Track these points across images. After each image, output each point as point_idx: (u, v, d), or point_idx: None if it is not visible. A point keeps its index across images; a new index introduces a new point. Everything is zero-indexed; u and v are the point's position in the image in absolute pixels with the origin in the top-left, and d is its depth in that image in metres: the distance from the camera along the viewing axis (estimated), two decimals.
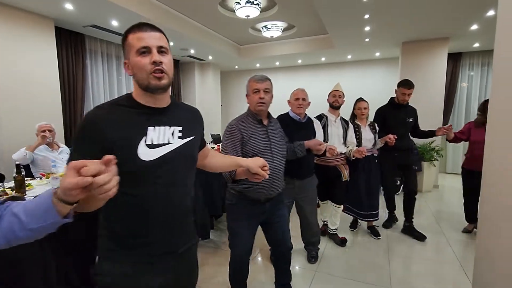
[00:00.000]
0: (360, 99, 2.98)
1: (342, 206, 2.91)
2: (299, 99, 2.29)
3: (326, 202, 3.02)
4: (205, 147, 1.26)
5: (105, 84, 5.06)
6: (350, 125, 2.85)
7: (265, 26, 5.12)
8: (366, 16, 3.83)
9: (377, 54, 6.24)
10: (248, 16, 4.15)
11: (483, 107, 2.79)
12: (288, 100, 2.38)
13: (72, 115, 4.42)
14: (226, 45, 5.98)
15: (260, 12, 4.22)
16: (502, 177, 1.21)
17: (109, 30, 4.36)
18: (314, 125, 2.46)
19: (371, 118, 3.13)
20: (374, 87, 6.69)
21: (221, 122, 7.77)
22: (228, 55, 6.27)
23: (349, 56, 6.49)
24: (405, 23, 4.16)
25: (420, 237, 3.00)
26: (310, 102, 2.35)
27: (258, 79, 1.74)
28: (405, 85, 2.92)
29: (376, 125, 3.03)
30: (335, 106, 2.72)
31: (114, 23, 4.08)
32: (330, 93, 2.79)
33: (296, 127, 2.28)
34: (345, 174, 2.76)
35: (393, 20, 4.03)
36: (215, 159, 1.33)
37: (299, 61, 7.03)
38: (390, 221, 3.37)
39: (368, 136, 2.93)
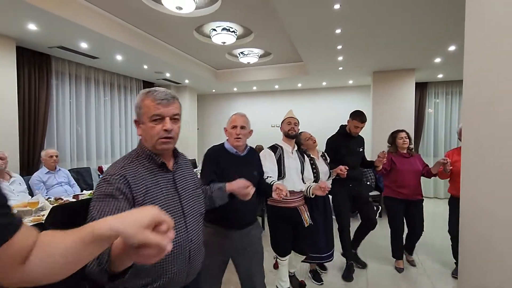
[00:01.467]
0: (301, 132, 2.70)
1: (303, 257, 2.49)
2: (237, 127, 1.76)
3: (286, 258, 2.41)
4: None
5: (72, 107, 4.77)
6: (306, 158, 2.53)
7: (242, 52, 5.16)
8: (339, 47, 3.97)
9: (350, 81, 6.48)
10: (224, 42, 4.16)
11: (392, 139, 3.03)
12: (224, 128, 1.86)
13: (31, 140, 4.07)
14: (203, 69, 5.95)
15: (237, 39, 4.25)
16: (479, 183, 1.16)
17: (78, 52, 4.17)
18: (259, 158, 2.01)
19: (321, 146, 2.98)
20: (348, 113, 6.87)
21: (197, 146, 7.58)
22: (205, 79, 6.23)
23: (324, 83, 6.68)
24: (374, 54, 4.36)
25: (362, 265, 2.95)
26: (251, 131, 1.86)
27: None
28: (359, 119, 2.78)
29: (326, 155, 2.83)
30: (291, 135, 2.33)
31: (83, 45, 3.91)
32: (283, 120, 2.39)
33: (234, 163, 1.77)
34: (306, 217, 2.32)
35: (364, 51, 4.20)
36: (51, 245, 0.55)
37: (276, 86, 7.13)
38: (350, 271, 2.84)
39: (323, 168, 2.66)
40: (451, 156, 2.79)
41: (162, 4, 3.17)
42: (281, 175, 2.23)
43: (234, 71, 6.38)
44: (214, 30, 4.03)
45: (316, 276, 2.78)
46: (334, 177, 2.70)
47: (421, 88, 6.16)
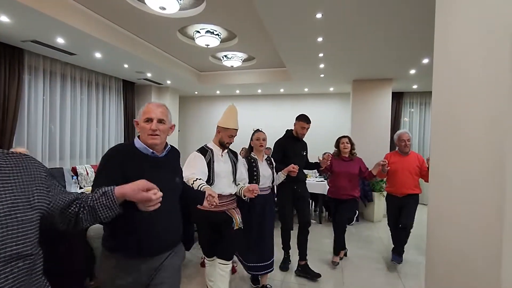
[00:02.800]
0: (258, 130, 2.62)
1: (230, 265, 2.23)
2: (152, 120, 1.35)
3: (213, 259, 2.23)
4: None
5: (45, 104, 4.56)
6: (240, 159, 2.38)
7: (225, 56, 5.16)
8: (320, 55, 4.07)
9: (331, 88, 6.65)
10: (208, 45, 4.15)
11: (336, 144, 3.28)
12: (135, 121, 1.46)
13: None
14: (185, 71, 5.88)
15: (221, 42, 4.25)
16: (446, 190, 1.23)
17: (54, 47, 4.00)
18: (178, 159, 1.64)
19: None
20: (329, 119, 7.05)
21: (178, 148, 7.45)
22: (187, 81, 6.17)
23: (306, 89, 6.81)
24: (354, 63, 4.51)
25: (315, 276, 2.83)
26: (173, 126, 1.51)
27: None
28: (305, 120, 2.95)
29: (272, 160, 2.74)
30: (226, 146, 2.21)
31: (60, 41, 3.76)
32: (222, 123, 2.19)
33: (148, 165, 1.35)
34: (237, 219, 2.17)
35: (344, 60, 4.34)
36: None
37: (259, 91, 7.18)
38: (286, 263, 3.07)
39: (266, 172, 2.56)
40: (389, 158, 3.18)
41: (145, 4, 3.12)
42: (209, 180, 2.05)
43: (217, 74, 6.36)
44: (198, 32, 4.01)
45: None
46: (284, 178, 2.70)
47: (398, 98, 6.44)
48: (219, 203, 1.87)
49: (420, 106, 6.62)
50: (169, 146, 1.49)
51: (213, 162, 2.11)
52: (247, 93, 7.56)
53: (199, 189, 1.74)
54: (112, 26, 3.87)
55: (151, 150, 1.37)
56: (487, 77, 0.99)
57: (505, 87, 0.87)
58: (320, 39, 3.45)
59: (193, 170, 1.93)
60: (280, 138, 3.07)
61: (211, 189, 1.76)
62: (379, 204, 5.13)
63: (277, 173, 2.70)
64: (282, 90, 6.98)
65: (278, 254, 2.95)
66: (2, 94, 3.84)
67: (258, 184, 2.39)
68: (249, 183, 2.37)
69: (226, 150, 2.22)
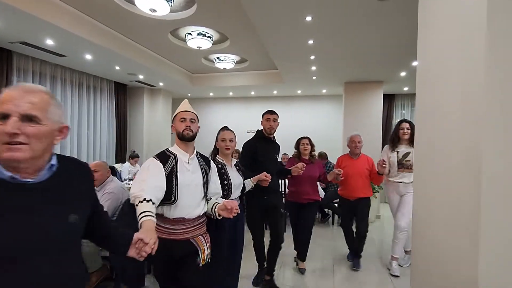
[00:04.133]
0: (224, 128, 2.15)
1: None
2: (9, 116, 0.73)
3: None
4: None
5: None
6: (213, 166, 1.76)
7: (218, 58, 5.17)
8: (312, 57, 4.11)
9: (324, 90, 6.70)
10: (199, 47, 4.15)
11: (296, 145, 3.07)
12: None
13: None
14: (178, 73, 5.87)
15: (213, 44, 4.26)
16: (429, 189, 1.25)
17: (44, 49, 3.95)
18: (88, 179, 1.01)
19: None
20: (322, 121, 7.10)
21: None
22: (180, 83, 6.15)
23: (298, 91, 6.85)
24: (345, 66, 4.55)
25: None
26: (65, 128, 0.87)
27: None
28: (269, 112, 2.61)
29: (240, 166, 2.28)
30: (186, 138, 1.57)
31: (49, 42, 3.72)
32: (175, 116, 1.64)
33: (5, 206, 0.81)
34: (205, 251, 1.59)
35: (335, 62, 4.39)
36: None
37: (252, 93, 7.20)
38: (260, 277, 2.71)
39: (237, 180, 2.07)
40: (341, 161, 3.17)
41: (136, 5, 3.11)
42: (171, 198, 1.49)
43: (210, 76, 6.36)
44: (190, 34, 4.01)
45: None
46: (252, 186, 2.24)
47: (389, 100, 6.52)
48: (180, 229, 1.49)
49: (412, 107, 6.70)
50: (55, 164, 0.84)
51: (176, 172, 1.52)
52: (240, 95, 7.57)
53: (138, 219, 1.25)
54: (103, 28, 3.84)
55: (9, 174, 0.75)
56: (463, 78, 1.01)
57: (479, 87, 0.90)
58: (311, 41, 3.48)
59: (143, 185, 1.39)
60: (250, 139, 2.63)
61: (153, 223, 1.25)
62: (371, 205, 5.15)
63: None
64: (275, 92, 7.01)
65: (253, 268, 2.74)
66: None
67: (229, 196, 1.98)
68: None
69: (194, 155, 1.62)
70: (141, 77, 5.68)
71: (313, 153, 3.04)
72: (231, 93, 7.37)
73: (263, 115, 2.65)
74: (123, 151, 6.32)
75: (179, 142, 1.62)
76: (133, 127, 6.71)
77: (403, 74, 4.87)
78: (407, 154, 3.01)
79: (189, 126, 1.58)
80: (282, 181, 4.12)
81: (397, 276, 2.88)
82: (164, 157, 1.56)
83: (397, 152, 3.04)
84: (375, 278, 2.98)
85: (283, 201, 3.32)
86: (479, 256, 0.85)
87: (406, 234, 2.97)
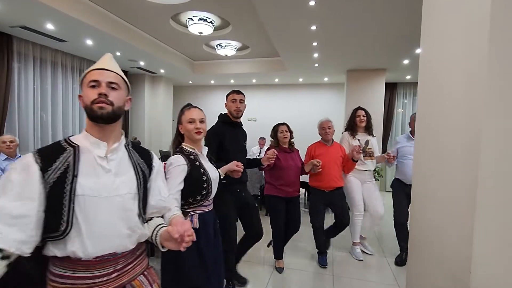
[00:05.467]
0: (190, 105, 1.61)
1: None
2: None
3: None
4: None
5: (36, 93, 4.49)
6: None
7: (219, 44, 5.12)
8: (314, 44, 4.06)
9: (326, 79, 6.65)
10: (201, 33, 4.10)
11: (274, 133, 2.72)
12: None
13: None
14: (179, 60, 5.82)
15: (214, 30, 4.21)
16: (428, 184, 1.28)
17: (44, 34, 3.92)
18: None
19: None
20: (323, 110, 7.08)
21: (172, 138, 7.45)
22: (181, 70, 6.11)
23: (300, 79, 6.80)
24: (348, 53, 4.51)
25: (242, 283, 2.41)
26: None
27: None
28: (235, 91, 2.25)
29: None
30: (99, 115, 0.92)
31: (49, 27, 3.68)
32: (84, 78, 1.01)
33: None
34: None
35: (338, 49, 4.34)
36: None
37: (254, 81, 7.15)
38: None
39: (214, 173, 1.59)
40: (314, 150, 2.84)
41: None
42: (58, 227, 0.84)
43: (211, 63, 6.31)
44: (191, 19, 3.96)
45: None
46: (222, 178, 1.81)
47: (391, 88, 6.47)
48: (100, 275, 0.88)
49: (414, 97, 6.66)
50: None
51: (74, 176, 0.86)
52: (242, 83, 7.53)
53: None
54: (103, 12, 3.79)
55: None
56: (466, 67, 1.01)
57: (482, 80, 0.90)
58: (313, 27, 3.44)
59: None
60: (214, 125, 2.22)
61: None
62: None
63: None
64: (276, 80, 6.96)
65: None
66: None
67: (210, 196, 1.55)
68: (195, 197, 1.48)
69: (118, 145, 0.97)
70: (142, 63, 5.64)
71: (291, 140, 2.74)
72: (232, 81, 7.32)
73: (227, 96, 2.26)
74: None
75: (90, 125, 0.94)
76: (134, 114, 6.72)
77: (406, 62, 4.82)
78: (367, 141, 3.01)
79: (105, 94, 0.90)
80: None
81: (361, 260, 3.02)
82: (50, 152, 0.88)
83: (359, 140, 2.98)
84: (376, 264, 3.06)
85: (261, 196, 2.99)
86: (473, 234, 0.89)
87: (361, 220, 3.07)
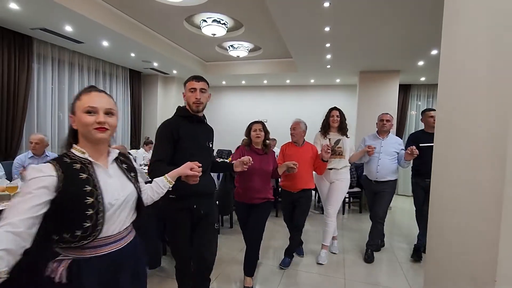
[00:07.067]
0: (92, 88, 1.20)
1: None
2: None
3: None
4: None
5: (54, 93, 4.63)
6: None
7: (231, 46, 5.15)
8: (327, 45, 4.04)
9: (338, 80, 6.60)
10: (214, 34, 4.14)
11: (248, 131, 2.41)
12: None
13: (10, 125, 3.93)
14: (192, 61, 5.89)
15: (227, 31, 4.24)
16: (447, 179, 1.25)
17: (63, 36, 4.03)
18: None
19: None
20: None
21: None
22: (194, 71, 6.17)
23: (312, 80, 6.77)
24: (361, 54, 4.46)
25: None
26: None
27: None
28: (194, 79, 1.80)
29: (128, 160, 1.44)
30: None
31: (68, 29, 3.79)
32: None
33: None
34: None
35: (351, 51, 4.30)
36: None
37: (265, 82, 7.16)
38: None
39: (117, 195, 1.16)
40: (285, 150, 2.81)
41: None
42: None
43: (223, 64, 6.35)
44: (205, 21, 4.00)
45: None
46: (170, 187, 1.32)
47: (405, 90, 6.36)
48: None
49: (428, 98, 6.52)
50: None
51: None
52: (253, 84, 7.55)
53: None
54: (119, 15, 3.88)
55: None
56: (491, 68, 0.99)
57: (509, 77, 0.88)
58: (327, 28, 3.42)
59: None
60: (169, 119, 1.79)
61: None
62: None
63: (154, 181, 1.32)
64: (288, 81, 6.95)
65: None
66: (12, 82, 3.91)
67: (98, 236, 0.97)
68: (73, 232, 0.93)
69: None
70: (155, 64, 5.74)
71: (267, 141, 2.44)
72: (243, 82, 7.35)
73: (185, 83, 1.81)
74: (137, 137, 6.46)
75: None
76: (147, 114, 6.83)
77: (420, 63, 4.73)
78: (338, 141, 3.02)
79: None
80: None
81: (322, 264, 2.94)
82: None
83: (329, 139, 3.00)
84: (387, 268, 3.01)
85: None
86: (499, 242, 0.86)
87: (335, 221, 3.06)
